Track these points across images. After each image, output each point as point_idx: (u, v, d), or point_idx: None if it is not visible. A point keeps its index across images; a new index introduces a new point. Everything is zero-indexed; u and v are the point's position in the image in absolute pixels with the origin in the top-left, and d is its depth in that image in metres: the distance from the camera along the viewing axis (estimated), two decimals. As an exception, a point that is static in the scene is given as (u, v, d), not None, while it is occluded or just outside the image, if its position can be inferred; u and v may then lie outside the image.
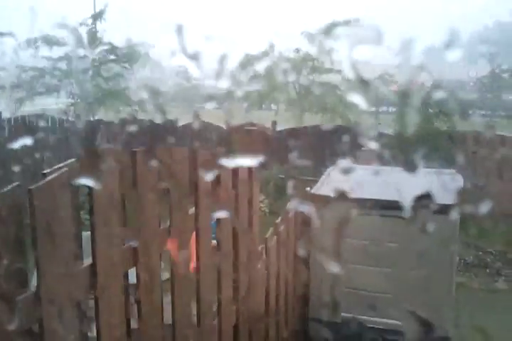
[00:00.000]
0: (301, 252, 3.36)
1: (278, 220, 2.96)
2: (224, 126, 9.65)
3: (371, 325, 3.19)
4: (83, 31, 11.21)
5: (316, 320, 3.41)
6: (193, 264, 1.77)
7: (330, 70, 10.78)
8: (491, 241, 6.15)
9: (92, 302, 1.31)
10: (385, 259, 3.18)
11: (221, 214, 1.97)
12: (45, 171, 1.16)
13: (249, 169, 2.24)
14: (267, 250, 2.63)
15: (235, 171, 2.07)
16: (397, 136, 8.16)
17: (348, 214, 3.13)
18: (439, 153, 6.39)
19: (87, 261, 1.28)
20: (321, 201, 3.19)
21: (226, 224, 2.04)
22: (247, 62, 11.04)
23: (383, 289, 3.17)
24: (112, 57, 11.51)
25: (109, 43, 11.40)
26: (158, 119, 8.98)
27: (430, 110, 7.50)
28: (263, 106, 11.73)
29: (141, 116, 10.20)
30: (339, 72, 10.48)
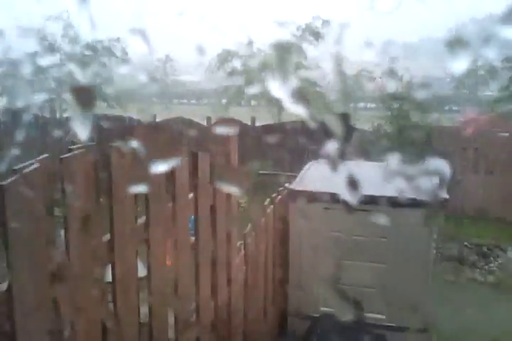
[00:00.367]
0: (280, 247, 3.37)
1: (257, 216, 2.96)
2: (203, 122, 9.62)
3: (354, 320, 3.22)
4: (59, 25, 11.02)
5: (295, 314, 3.43)
6: (169, 261, 1.76)
7: (309, 66, 10.81)
8: (467, 235, 6.26)
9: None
10: (363, 253, 3.20)
11: (198, 209, 1.96)
12: (16, 167, 1.13)
13: (227, 164, 2.23)
14: (245, 245, 2.63)
15: (213, 166, 2.06)
16: (375, 132, 8.26)
17: (325, 209, 3.15)
18: (416, 148, 6.47)
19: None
20: (300, 196, 3.21)
21: (204, 219, 2.03)
22: (225, 57, 11.00)
23: (362, 283, 3.20)
24: (88, 52, 11.34)
25: (85, 38, 11.23)
26: (140, 116, 8.90)
27: (408, 106, 7.59)
28: (242, 102, 11.70)
29: (118, 112, 10.08)
30: (318, 68, 10.51)
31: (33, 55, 10.67)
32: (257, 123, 9.82)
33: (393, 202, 2.72)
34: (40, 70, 10.46)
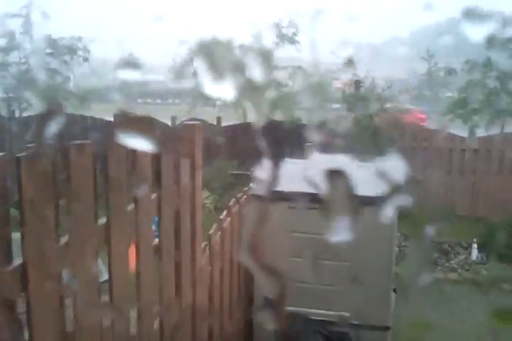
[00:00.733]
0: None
1: (222, 216, 2.94)
2: (168, 122, 9.52)
3: (317, 318, 3.24)
4: (17, 22, 10.70)
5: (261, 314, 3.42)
6: (132, 264, 1.72)
7: (275, 67, 10.83)
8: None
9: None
10: (326, 252, 3.23)
11: (162, 210, 1.93)
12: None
13: (192, 164, 2.20)
14: (210, 247, 2.61)
15: (177, 166, 2.03)
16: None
17: (290, 208, 3.16)
18: (378, 147, 6.58)
19: (18, 260, 1.21)
20: (264, 195, 3.20)
21: (168, 220, 2.00)
22: (191, 57, 10.92)
23: (326, 281, 3.22)
24: (49, 50, 11.05)
25: (46, 36, 10.94)
26: (103, 116, 8.73)
27: (371, 106, 7.71)
28: (208, 102, 11.63)
29: (80, 110, 9.88)
30: (285, 68, 10.55)
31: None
32: (223, 124, 9.80)
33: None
34: (-2, 68, 10.17)
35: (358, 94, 7.85)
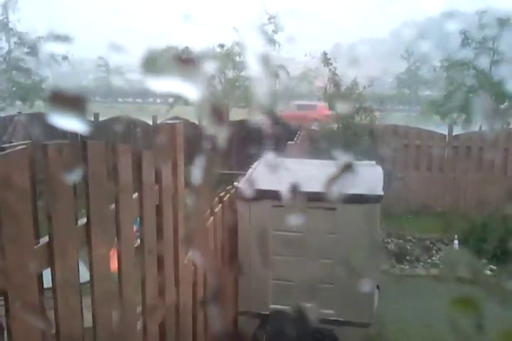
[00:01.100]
0: (229, 246, 3.35)
1: (205, 215, 2.92)
2: (149, 121, 9.45)
3: (300, 316, 3.25)
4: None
5: (245, 312, 3.43)
6: (114, 264, 1.70)
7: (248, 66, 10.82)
8: (411, 229, 6.47)
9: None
10: (310, 250, 3.24)
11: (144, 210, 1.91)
12: None
13: (174, 163, 2.19)
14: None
15: (158, 165, 2.01)
16: (320, 131, 8.39)
17: (273, 207, 3.16)
18: (359, 146, 6.63)
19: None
20: (248, 194, 3.20)
21: (150, 220, 1.98)
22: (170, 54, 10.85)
23: (311, 279, 3.23)
24: (26, 49, 10.89)
25: (22, 34, 10.77)
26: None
27: (351, 105, 7.75)
28: (189, 101, 11.58)
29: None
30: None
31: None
32: (203, 123, 9.74)
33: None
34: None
35: (338, 93, 7.89)
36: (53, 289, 1.38)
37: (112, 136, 8.36)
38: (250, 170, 3.69)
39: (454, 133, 7.97)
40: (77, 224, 1.48)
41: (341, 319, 3.24)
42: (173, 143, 2.21)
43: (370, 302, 3.28)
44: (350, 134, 7.40)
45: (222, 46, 11.14)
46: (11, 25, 10.94)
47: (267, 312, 3.32)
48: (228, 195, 3.34)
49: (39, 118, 8.42)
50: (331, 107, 8.03)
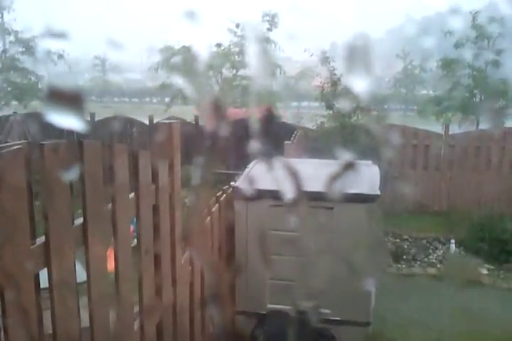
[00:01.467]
0: (226, 246, 3.35)
1: (202, 214, 2.92)
2: (145, 121, 9.44)
3: (298, 315, 3.24)
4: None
5: (242, 312, 3.42)
6: (111, 264, 1.70)
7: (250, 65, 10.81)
8: (407, 229, 6.48)
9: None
10: (307, 249, 3.23)
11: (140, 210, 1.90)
12: None
13: (170, 162, 2.18)
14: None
15: (154, 165, 2.01)
16: (318, 130, 8.39)
17: (270, 207, 3.16)
18: (356, 145, 6.62)
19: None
20: (245, 194, 3.20)
21: (146, 220, 1.97)
22: (169, 56, 10.85)
23: (308, 278, 3.23)
24: (22, 49, 10.85)
25: (18, 33, 10.72)
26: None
27: (348, 104, 7.75)
28: (185, 101, 11.57)
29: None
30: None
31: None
32: (201, 122, 9.74)
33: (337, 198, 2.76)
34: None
35: (335, 92, 7.88)
36: (50, 289, 1.38)
37: (109, 135, 8.35)
38: (247, 170, 3.69)
39: (450, 133, 7.98)
40: (73, 223, 1.48)
41: (339, 318, 3.24)
42: (170, 142, 2.21)
43: (367, 302, 3.29)
44: (347, 134, 7.39)
45: (219, 45, 11.12)
46: (6, 25, 10.90)
47: (265, 312, 3.32)
48: (225, 194, 3.34)
49: (35, 117, 8.40)
50: (327, 106, 8.02)
